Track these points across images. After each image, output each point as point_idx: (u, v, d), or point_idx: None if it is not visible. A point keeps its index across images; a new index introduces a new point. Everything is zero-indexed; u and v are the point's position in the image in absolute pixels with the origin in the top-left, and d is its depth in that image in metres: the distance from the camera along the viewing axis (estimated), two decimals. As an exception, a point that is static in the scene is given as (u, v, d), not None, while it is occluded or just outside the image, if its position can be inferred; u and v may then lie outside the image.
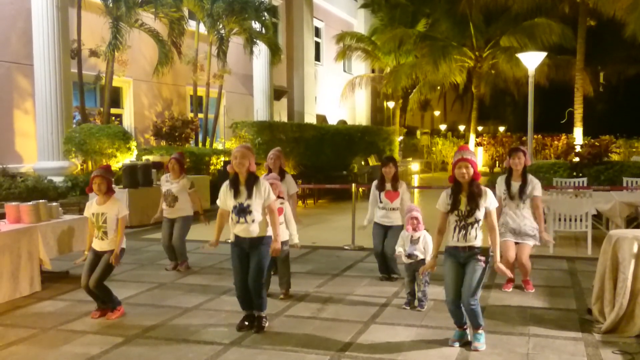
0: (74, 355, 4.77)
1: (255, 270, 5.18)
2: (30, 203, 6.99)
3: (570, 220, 8.51)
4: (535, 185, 6.32)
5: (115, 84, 15.91)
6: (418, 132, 37.14)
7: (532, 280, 6.92)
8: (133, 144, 13.85)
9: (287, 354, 4.73)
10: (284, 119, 24.05)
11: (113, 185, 5.94)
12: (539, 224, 6.34)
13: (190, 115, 18.61)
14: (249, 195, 5.07)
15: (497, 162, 29.01)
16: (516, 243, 6.37)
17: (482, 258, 4.66)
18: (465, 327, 4.90)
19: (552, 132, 30.88)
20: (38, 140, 13.57)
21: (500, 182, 6.48)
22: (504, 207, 6.35)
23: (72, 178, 12.31)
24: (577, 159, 13.31)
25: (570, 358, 4.58)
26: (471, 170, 4.61)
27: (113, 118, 16.11)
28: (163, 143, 16.65)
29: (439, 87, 29.18)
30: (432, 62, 23.43)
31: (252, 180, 5.11)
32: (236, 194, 5.12)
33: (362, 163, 20.59)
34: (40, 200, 7.23)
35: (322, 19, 29.34)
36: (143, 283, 7.04)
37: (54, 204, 7.46)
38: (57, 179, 12.30)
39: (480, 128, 33.43)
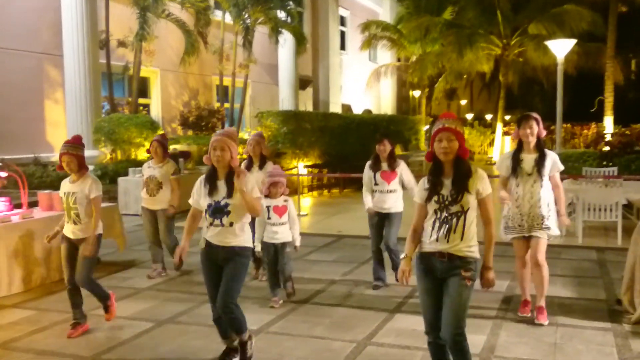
0: (106, 339, 4.89)
1: (226, 286, 4.12)
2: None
3: (600, 210, 8.39)
4: (555, 159, 5.06)
5: (142, 74, 16.10)
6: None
7: (560, 270, 6.88)
8: (160, 133, 14.00)
9: (314, 341, 4.78)
10: (309, 108, 24.04)
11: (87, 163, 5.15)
12: (560, 206, 5.11)
13: (217, 105, 18.75)
14: (229, 194, 4.09)
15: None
16: (525, 238, 5.12)
17: (468, 274, 3.41)
18: None
19: (582, 121, 30.34)
20: (68, 130, 13.80)
21: (505, 158, 5.15)
22: (512, 188, 5.08)
23: (102, 167, 12.51)
24: (607, 148, 13.11)
25: (598, 348, 4.54)
26: (455, 144, 3.42)
27: (141, 108, 16.32)
28: (190, 132, 16.81)
29: (465, 76, 28.86)
30: (458, 50, 23.16)
31: (233, 176, 4.14)
32: (212, 191, 4.14)
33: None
34: (72, 189, 7.34)
35: (348, 7, 29.20)
36: (172, 270, 7.13)
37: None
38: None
39: (507, 117, 32.99)
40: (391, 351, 4.50)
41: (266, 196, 5.60)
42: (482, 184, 3.46)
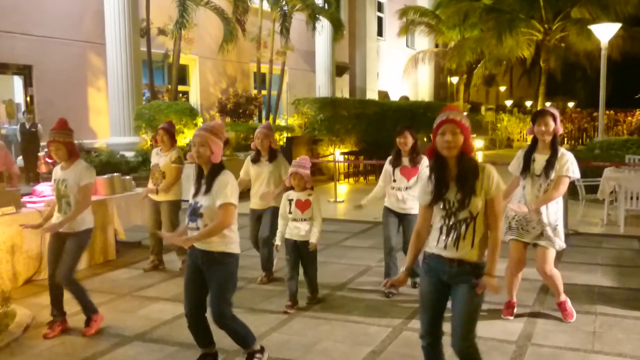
0: (149, 319, 5.05)
1: (213, 302, 3.82)
2: (106, 176, 7.35)
3: (643, 198, 8.22)
4: (569, 160, 4.58)
5: (182, 61, 16.32)
6: (482, 108, 36.27)
7: (601, 259, 6.78)
8: (199, 120, 14.21)
9: (350, 325, 4.84)
10: (346, 95, 24.01)
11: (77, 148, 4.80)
12: (540, 199, 4.57)
13: (254, 92, 18.89)
14: (207, 191, 3.76)
15: (566, 139, 28.12)
16: (531, 245, 4.74)
17: (479, 281, 3.12)
18: None
19: (626, 107, 29.54)
20: (110, 117, 14.13)
21: (519, 156, 4.79)
22: (518, 190, 4.78)
23: (143, 153, 12.77)
24: (652, 136, 12.75)
25: (639, 337, 4.48)
26: (460, 138, 3.07)
27: (180, 95, 16.57)
28: (228, 119, 16.98)
29: (504, 62, 28.35)
30: (498, 35, 22.75)
31: (213, 173, 3.79)
32: (197, 190, 3.84)
33: (425, 139, 20.37)
34: (115, 174, 7.58)
35: (385, -7, 28.96)
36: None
37: (127, 177, 7.80)
38: (129, 154, 12.80)
39: (548, 104, 32.32)
40: (427, 336, 4.53)
41: (290, 188, 5.28)
42: (489, 182, 3.09)
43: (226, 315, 3.84)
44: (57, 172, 4.72)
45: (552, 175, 4.55)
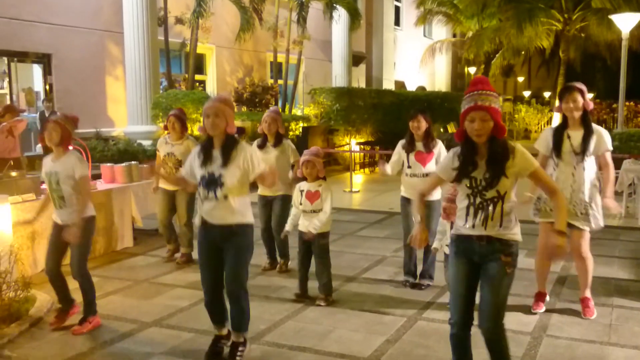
0: (165, 306, 5.11)
1: (232, 273, 3.83)
2: (124, 164, 7.41)
3: (663, 191, 8.12)
4: (603, 135, 4.52)
5: (199, 50, 16.35)
6: (500, 99, 35.94)
7: (618, 252, 6.72)
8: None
9: (365, 314, 4.86)
10: (362, 85, 23.93)
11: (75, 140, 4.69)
12: (608, 188, 4.59)
13: (270, 81, 18.88)
14: (224, 163, 3.74)
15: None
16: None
17: (508, 259, 3.08)
18: None
19: (646, 99, 29.14)
20: (128, 106, 14.21)
21: (547, 135, 4.66)
22: (549, 170, 4.56)
23: (159, 142, 12.85)
24: (673, 128, 12.57)
25: (656, 331, 4.46)
26: (490, 124, 2.97)
27: (197, 84, 16.61)
28: (244, 109, 17.03)
29: (523, 52, 28.06)
30: (516, 25, 22.50)
31: (230, 144, 3.78)
32: (206, 161, 3.78)
33: (441, 130, 20.28)
34: (132, 162, 7.65)
35: (403, -18, 28.73)
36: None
37: (144, 165, 7.87)
38: (146, 143, 12.88)
39: (567, 95, 31.97)
40: (442, 327, 4.52)
41: (302, 179, 5.13)
42: (523, 163, 3.03)
43: (243, 286, 3.88)
44: (47, 163, 4.51)
45: (589, 153, 4.45)
